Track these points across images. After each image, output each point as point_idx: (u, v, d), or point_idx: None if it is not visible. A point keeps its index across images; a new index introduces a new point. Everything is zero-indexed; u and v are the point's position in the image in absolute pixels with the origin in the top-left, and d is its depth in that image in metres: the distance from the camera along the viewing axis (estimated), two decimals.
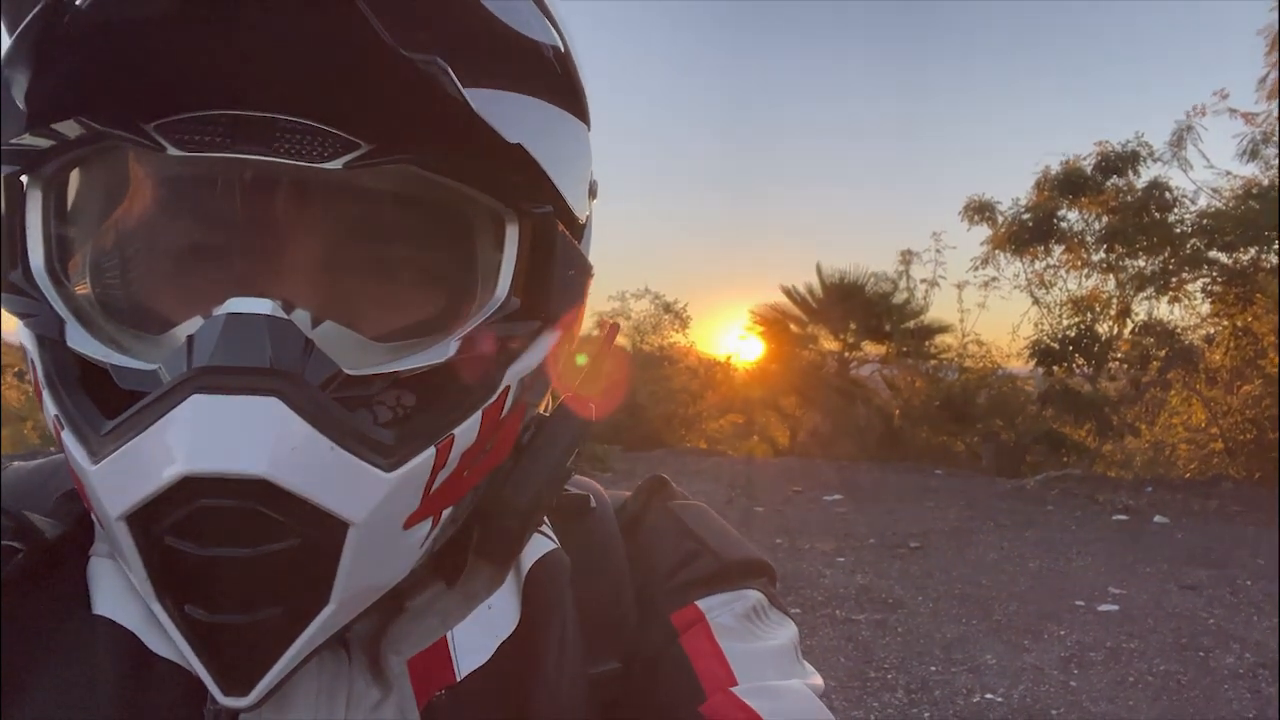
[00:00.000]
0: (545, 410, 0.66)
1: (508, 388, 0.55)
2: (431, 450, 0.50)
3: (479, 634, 0.60)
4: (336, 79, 0.45)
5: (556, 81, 0.56)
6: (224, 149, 0.47)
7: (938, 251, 16.83)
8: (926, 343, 16.97)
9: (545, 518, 0.68)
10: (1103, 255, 13.66)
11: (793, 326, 18.41)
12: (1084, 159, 13.58)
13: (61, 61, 0.44)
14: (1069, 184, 13.54)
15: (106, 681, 0.52)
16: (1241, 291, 12.11)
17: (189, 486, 0.43)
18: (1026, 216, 14.01)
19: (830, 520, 9.20)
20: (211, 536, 0.44)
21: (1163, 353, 12.89)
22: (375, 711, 0.55)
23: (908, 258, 17.21)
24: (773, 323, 18.58)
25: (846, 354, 17.96)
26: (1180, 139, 12.77)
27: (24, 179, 0.51)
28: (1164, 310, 13.32)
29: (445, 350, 0.51)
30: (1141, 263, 13.26)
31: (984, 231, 14.79)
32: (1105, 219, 13.38)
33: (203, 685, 0.48)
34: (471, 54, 0.47)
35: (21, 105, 0.46)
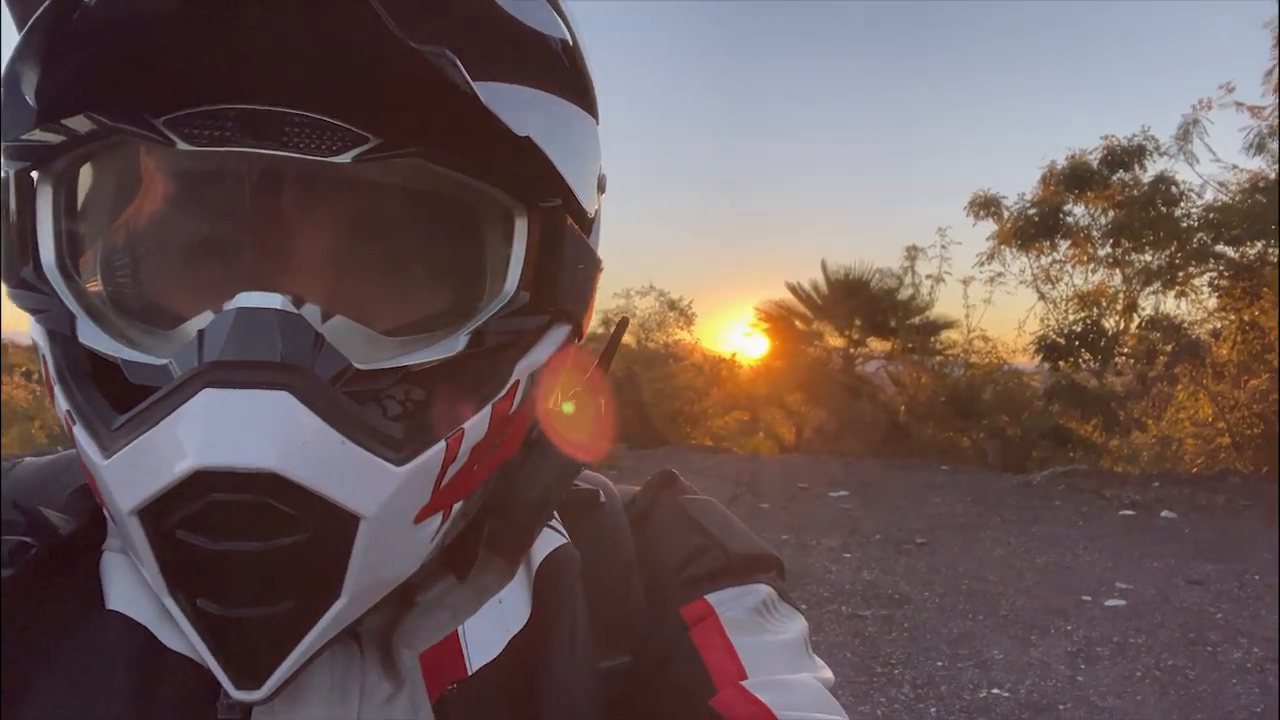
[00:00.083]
0: (555, 404, 0.66)
1: (517, 382, 0.55)
2: (442, 444, 0.50)
3: (490, 628, 0.60)
4: (346, 72, 0.45)
5: (565, 75, 0.56)
6: (233, 143, 0.47)
7: (943, 247, 16.81)
8: (932, 339, 16.94)
9: (555, 512, 0.68)
10: (1109, 250, 13.62)
11: (798, 323, 18.42)
12: (1090, 153, 13.55)
13: (71, 57, 0.44)
14: (1075, 178, 13.49)
15: (120, 676, 0.52)
16: (1248, 285, 12.06)
17: (200, 481, 0.43)
18: (1032, 211, 13.96)
19: (836, 516, 9.20)
20: (223, 530, 0.44)
21: (1169, 347, 12.83)
22: (387, 705, 0.55)
23: (913, 253, 17.19)
24: (778, 319, 18.58)
25: (852, 350, 17.96)
26: (1186, 133, 12.71)
27: (34, 175, 0.51)
28: (1170, 305, 13.30)
29: (455, 344, 0.51)
30: (1148, 257, 13.22)
31: (989, 227, 14.75)
32: (1111, 213, 13.33)
33: (215, 679, 0.48)
34: (480, 47, 0.47)
35: (31, 101, 0.46)
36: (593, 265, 0.61)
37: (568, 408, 0.65)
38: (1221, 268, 12.47)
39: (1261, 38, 11.34)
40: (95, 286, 0.53)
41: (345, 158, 0.47)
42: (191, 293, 0.51)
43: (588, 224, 0.61)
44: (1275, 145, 11.57)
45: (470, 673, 0.58)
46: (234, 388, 0.44)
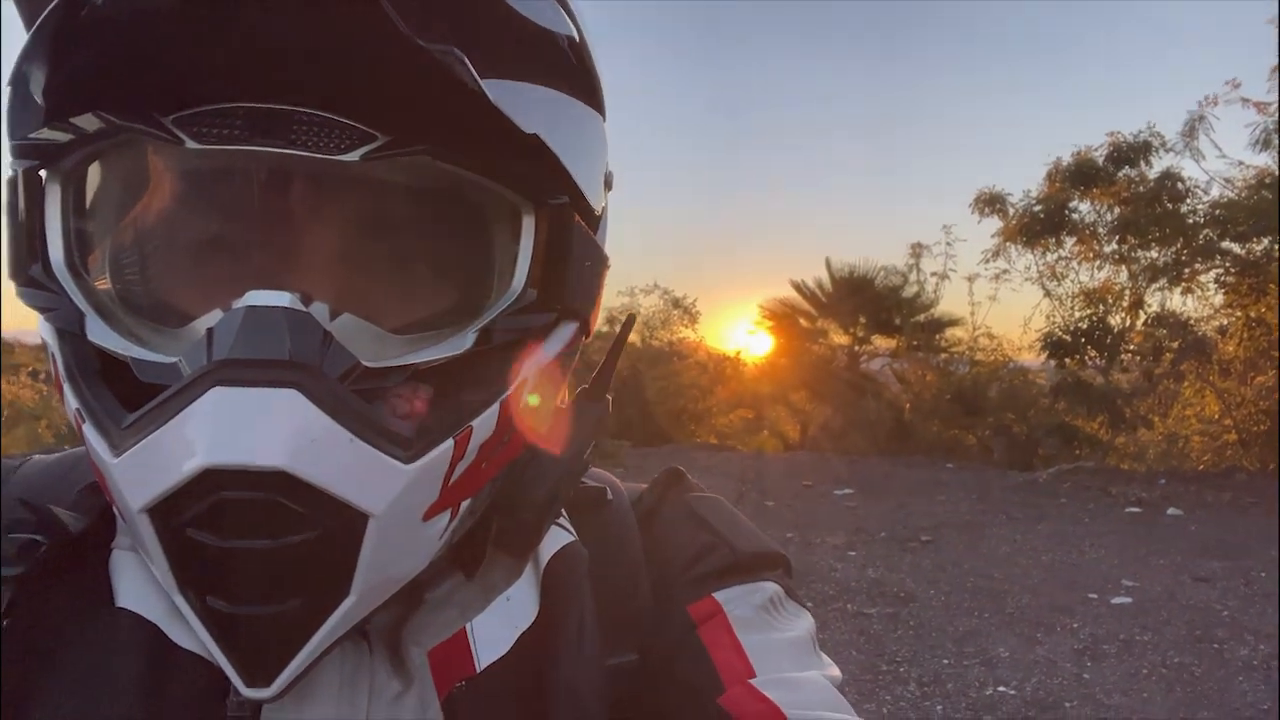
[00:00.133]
0: (563, 403, 0.66)
1: (525, 380, 0.55)
2: (450, 442, 0.50)
3: (498, 625, 0.60)
4: (354, 70, 0.45)
5: (573, 72, 0.56)
6: (242, 142, 0.47)
7: (948, 244, 16.73)
8: (937, 336, 16.90)
9: (563, 510, 0.68)
10: (1115, 246, 13.55)
11: (802, 321, 18.37)
12: (1096, 150, 13.45)
13: (79, 55, 0.44)
14: (1081, 175, 13.42)
15: (129, 674, 0.52)
16: (1255, 282, 12.01)
17: (210, 479, 0.43)
18: (1038, 208, 13.89)
19: (841, 514, 9.19)
20: (232, 528, 0.44)
21: (1176, 344, 12.76)
22: (396, 703, 0.55)
23: (918, 251, 17.12)
24: (782, 317, 18.55)
25: (856, 348, 17.92)
26: (1192, 129, 12.63)
27: (43, 173, 0.51)
28: (1177, 301, 13.21)
29: (463, 342, 0.52)
30: (1154, 254, 13.14)
31: (995, 224, 14.66)
32: (1117, 210, 13.26)
33: (225, 677, 0.48)
34: (487, 44, 0.47)
35: (39, 100, 0.46)
36: (600, 263, 0.61)
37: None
38: (1228, 264, 12.41)
39: (1268, 33, 11.29)
40: (104, 285, 0.53)
41: (353, 156, 0.47)
42: (200, 291, 0.51)
43: (595, 221, 0.61)
44: None
45: (479, 670, 0.58)
46: (243, 386, 0.44)
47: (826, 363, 17.95)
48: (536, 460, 0.60)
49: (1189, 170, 12.76)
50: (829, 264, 17.73)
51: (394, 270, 0.53)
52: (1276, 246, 11.60)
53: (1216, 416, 13.20)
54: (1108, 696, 4.59)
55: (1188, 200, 12.74)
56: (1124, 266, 13.65)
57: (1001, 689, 4.70)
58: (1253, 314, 12.29)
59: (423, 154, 0.48)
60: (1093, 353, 13.56)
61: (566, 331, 0.59)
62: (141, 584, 0.55)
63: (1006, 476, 11.73)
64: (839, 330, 18.06)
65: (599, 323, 0.65)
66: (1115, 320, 13.61)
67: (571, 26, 0.54)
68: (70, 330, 0.51)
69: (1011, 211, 14.33)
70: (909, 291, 17.17)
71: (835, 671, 0.66)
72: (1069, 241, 14.06)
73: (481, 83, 0.43)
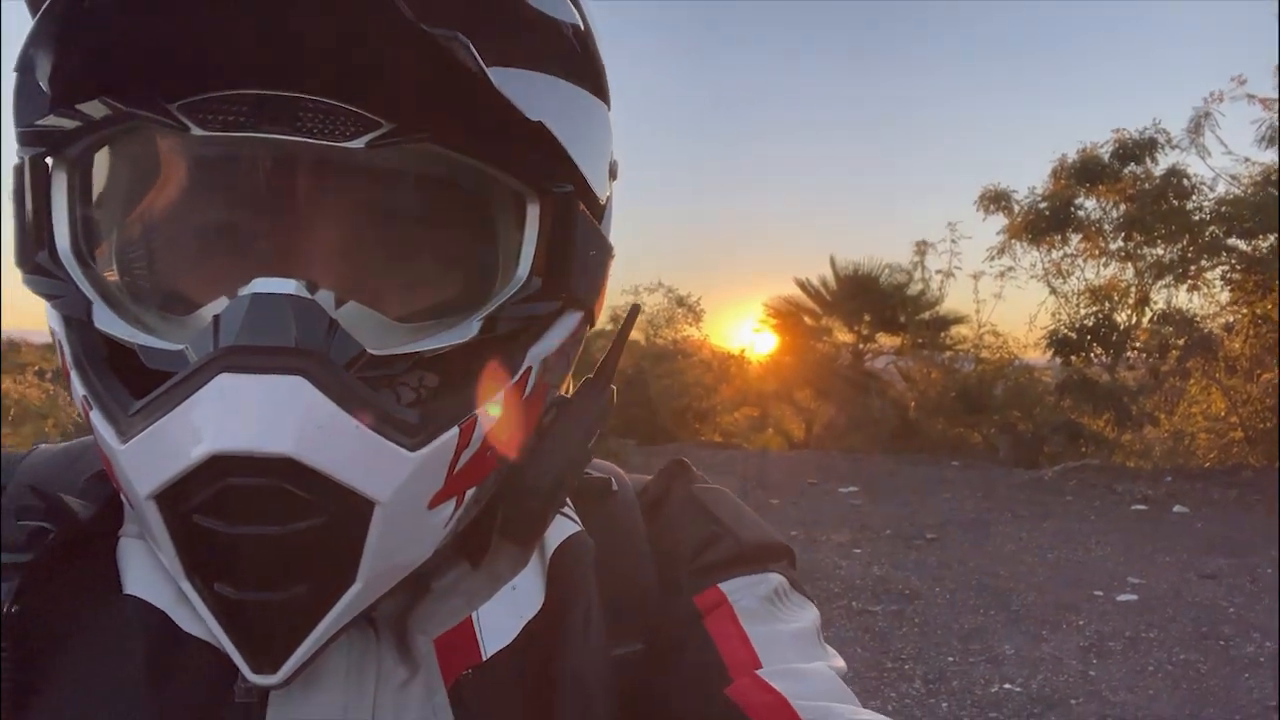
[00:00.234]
0: (566, 393, 0.66)
1: (529, 368, 0.55)
2: (455, 430, 0.50)
3: (504, 615, 0.60)
4: (359, 56, 0.45)
5: (577, 61, 0.56)
6: (248, 128, 0.47)
7: (953, 242, 16.65)
8: (942, 334, 16.85)
9: (568, 500, 0.68)
10: (1120, 244, 13.50)
11: (807, 319, 18.34)
12: (1101, 146, 13.41)
13: (85, 42, 0.44)
14: (1086, 172, 13.38)
15: (137, 660, 0.53)
16: (1261, 279, 11.95)
17: (217, 465, 0.43)
18: (1043, 205, 13.84)
19: (846, 512, 9.18)
20: (239, 514, 0.44)
21: (1182, 341, 12.73)
22: (403, 690, 0.56)
23: (923, 248, 17.06)
24: (786, 315, 18.51)
25: (861, 346, 17.88)
26: (1198, 125, 12.58)
27: (49, 160, 0.51)
28: (1183, 298, 13.15)
29: (467, 330, 0.52)
30: (1160, 251, 13.09)
31: (1000, 221, 14.62)
32: (1123, 207, 13.21)
33: (232, 663, 0.48)
34: (492, 32, 0.47)
35: (45, 87, 0.46)
36: (604, 251, 0.61)
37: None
38: (1234, 261, 12.36)
39: (1274, 29, 11.24)
40: (111, 273, 0.53)
41: (358, 143, 0.47)
42: (206, 278, 0.51)
43: (599, 210, 0.61)
44: None
45: (485, 658, 0.58)
46: (250, 373, 0.44)
47: (831, 361, 17.91)
48: (541, 449, 0.60)
49: (1195, 167, 12.79)
50: (833, 262, 17.71)
51: (399, 258, 0.53)
52: None
53: (1222, 414, 13.15)
54: (1113, 693, 4.58)
55: (1193, 197, 12.70)
56: (1130, 264, 13.61)
57: (1007, 686, 4.69)
58: (1259, 311, 12.24)
59: (427, 141, 0.48)
60: (1098, 350, 13.53)
61: (571, 321, 0.59)
62: (149, 571, 0.56)
63: (1012, 474, 11.70)
64: (843, 328, 18.02)
65: (602, 321, 0.65)
66: (1121, 317, 13.58)
67: (576, 15, 0.54)
68: (77, 317, 0.51)
69: (1017, 209, 14.29)
70: (914, 289, 17.13)
71: (840, 662, 0.66)
72: (1074, 239, 14.02)
73: (486, 70, 0.43)
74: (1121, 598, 6.08)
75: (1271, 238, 11.61)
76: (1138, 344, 13.54)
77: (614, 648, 0.63)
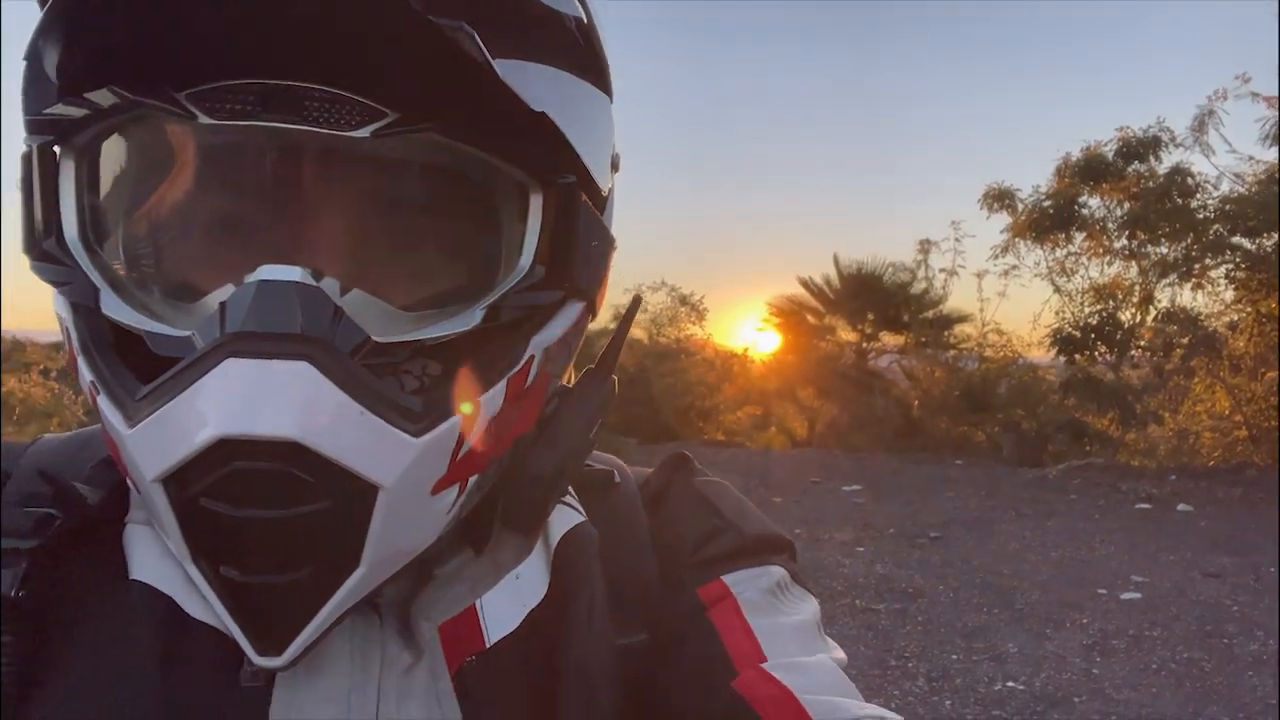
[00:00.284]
0: (568, 383, 0.66)
1: (532, 357, 0.56)
2: (458, 417, 0.51)
3: (507, 603, 0.61)
4: (365, 45, 0.45)
5: (579, 53, 0.56)
6: (254, 117, 0.47)
7: (957, 240, 16.61)
8: (946, 333, 16.82)
9: (572, 490, 0.69)
10: (1125, 242, 13.46)
11: (810, 318, 18.34)
12: (1105, 145, 13.37)
13: (93, 31, 0.44)
14: (1090, 170, 13.34)
15: (144, 645, 0.53)
16: (1265, 277, 11.91)
17: (223, 449, 0.43)
18: (1047, 204, 13.81)
19: (849, 511, 9.18)
20: (245, 498, 0.45)
21: (1186, 340, 12.69)
22: (407, 675, 0.56)
23: (926, 247, 17.04)
24: (790, 314, 18.51)
25: (864, 345, 17.87)
26: (1202, 124, 12.54)
27: (56, 149, 0.52)
28: (1187, 297, 13.11)
29: (471, 319, 0.52)
30: (1164, 249, 13.05)
31: (1004, 219, 14.57)
32: (1127, 205, 13.17)
33: (239, 649, 0.49)
34: (496, 24, 0.48)
35: (53, 76, 0.47)
36: (607, 243, 0.62)
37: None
38: (1238, 259, 12.32)
39: (1277, 27, 11.21)
40: (118, 260, 0.54)
41: (364, 132, 0.48)
42: (213, 266, 0.52)
43: (602, 201, 0.61)
44: None
45: (488, 645, 0.58)
46: (256, 358, 0.44)
47: (834, 359, 17.89)
48: (543, 438, 0.61)
49: (1199, 165, 12.69)
50: (837, 261, 17.71)
51: (403, 247, 0.54)
52: None
53: (1227, 412, 13.11)
54: (1117, 691, 4.58)
55: (1197, 195, 12.65)
56: (1134, 262, 13.57)
57: (1010, 684, 4.69)
58: (1263, 309, 12.21)
59: (432, 131, 0.49)
60: (1102, 349, 13.50)
61: (573, 311, 0.59)
62: (156, 557, 0.56)
63: (1016, 473, 11.69)
64: (847, 327, 18.02)
65: (604, 319, 0.65)
66: (1125, 316, 13.54)
67: (579, 8, 0.55)
68: (85, 304, 0.51)
69: (1020, 207, 14.25)
70: (917, 288, 17.12)
71: (840, 655, 0.66)
72: (1078, 237, 13.98)
73: (492, 61, 0.44)
74: (1125, 596, 6.08)
75: (1276, 236, 11.57)
76: (1142, 342, 13.51)
77: (618, 638, 0.63)
